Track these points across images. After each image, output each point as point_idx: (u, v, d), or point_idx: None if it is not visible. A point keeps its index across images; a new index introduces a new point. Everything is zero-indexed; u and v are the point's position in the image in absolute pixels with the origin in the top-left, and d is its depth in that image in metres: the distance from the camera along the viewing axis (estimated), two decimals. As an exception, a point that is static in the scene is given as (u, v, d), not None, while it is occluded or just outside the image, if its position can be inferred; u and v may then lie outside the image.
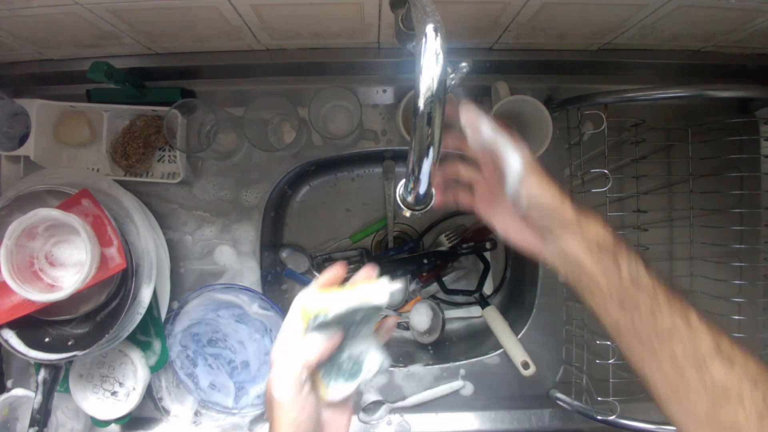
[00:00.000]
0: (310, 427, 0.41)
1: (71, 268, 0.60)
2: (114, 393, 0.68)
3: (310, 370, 0.40)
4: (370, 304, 0.41)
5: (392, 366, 0.77)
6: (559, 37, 0.67)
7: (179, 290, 0.74)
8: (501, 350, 0.75)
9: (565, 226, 0.44)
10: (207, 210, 0.75)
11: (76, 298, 0.57)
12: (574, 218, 0.43)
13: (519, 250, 0.47)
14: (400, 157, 0.83)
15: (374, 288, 0.42)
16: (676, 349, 0.38)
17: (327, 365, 0.43)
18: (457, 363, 0.76)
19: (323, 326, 0.41)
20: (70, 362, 0.68)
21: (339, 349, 0.43)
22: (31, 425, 0.62)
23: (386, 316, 0.50)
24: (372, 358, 0.44)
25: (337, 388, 0.43)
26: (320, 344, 0.41)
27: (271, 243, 0.82)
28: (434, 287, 0.87)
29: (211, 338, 0.73)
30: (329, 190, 0.87)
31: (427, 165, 0.30)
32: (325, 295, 0.42)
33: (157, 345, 0.69)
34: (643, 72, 0.74)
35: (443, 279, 0.87)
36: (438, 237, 0.86)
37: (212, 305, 0.72)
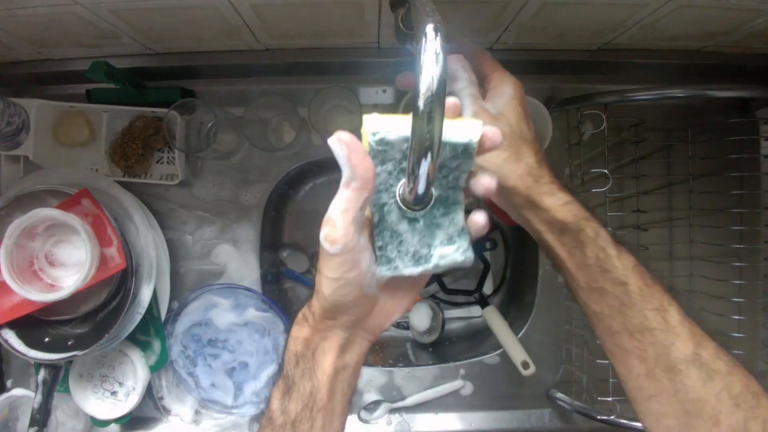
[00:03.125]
0: (355, 293, 0.33)
1: (71, 268, 0.60)
2: (114, 393, 0.68)
3: (365, 202, 0.31)
4: (453, 139, 0.30)
5: (391, 366, 0.77)
6: (559, 37, 0.67)
7: (179, 290, 0.74)
8: (501, 350, 0.75)
9: (524, 206, 0.40)
10: (207, 210, 0.75)
11: (76, 298, 0.57)
12: (533, 198, 0.39)
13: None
14: (400, 157, 0.83)
15: (461, 122, 0.30)
16: (648, 348, 0.34)
17: (387, 236, 0.33)
18: (457, 363, 0.76)
19: (385, 150, 0.32)
20: (70, 362, 0.67)
21: (411, 219, 0.33)
22: (31, 425, 0.62)
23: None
24: (449, 245, 0.34)
25: (400, 266, 0.33)
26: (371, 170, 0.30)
27: (271, 243, 0.82)
28: (434, 287, 0.87)
29: (211, 338, 0.73)
30: (330, 190, 0.86)
31: (426, 165, 0.30)
32: (397, 117, 0.31)
33: (156, 345, 0.69)
34: (643, 72, 0.74)
35: (443, 279, 0.87)
36: (438, 237, 0.86)
37: (212, 305, 0.72)
